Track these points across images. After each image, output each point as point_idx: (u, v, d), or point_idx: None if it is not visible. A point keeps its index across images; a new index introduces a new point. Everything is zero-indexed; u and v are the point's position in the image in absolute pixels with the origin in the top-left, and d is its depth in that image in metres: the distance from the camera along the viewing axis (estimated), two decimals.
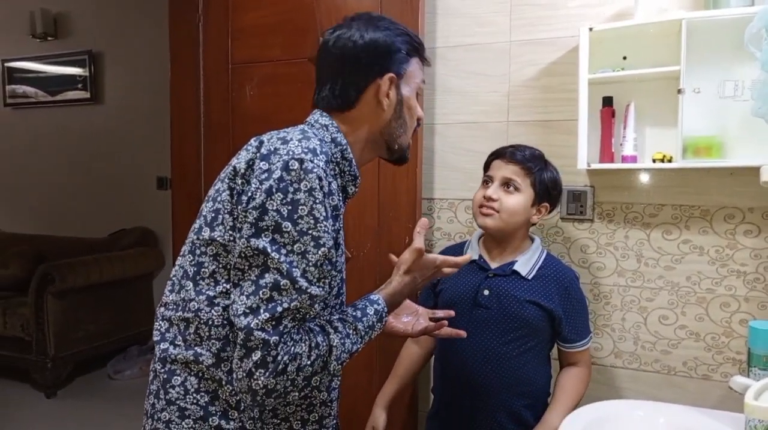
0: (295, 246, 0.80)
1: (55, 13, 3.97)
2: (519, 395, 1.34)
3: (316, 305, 0.83)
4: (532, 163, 1.36)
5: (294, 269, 0.79)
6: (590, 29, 1.49)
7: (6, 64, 4.19)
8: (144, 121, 3.70)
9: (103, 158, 3.92)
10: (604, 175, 1.63)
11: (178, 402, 0.90)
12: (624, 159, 1.53)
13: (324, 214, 0.82)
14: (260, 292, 0.79)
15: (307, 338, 0.82)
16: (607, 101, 1.57)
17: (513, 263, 1.37)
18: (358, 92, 0.96)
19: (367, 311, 0.93)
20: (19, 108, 4.22)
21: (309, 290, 0.80)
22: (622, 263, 1.63)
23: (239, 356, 0.79)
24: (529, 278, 1.36)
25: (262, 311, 0.78)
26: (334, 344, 0.85)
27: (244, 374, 0.79)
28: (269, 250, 0.79)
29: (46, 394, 3.09)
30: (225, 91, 2.00)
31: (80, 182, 4.03)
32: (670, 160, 1.48)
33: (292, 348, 0.79)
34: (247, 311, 0.79)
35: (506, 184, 1.36)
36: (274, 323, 0.78)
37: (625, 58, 1.56)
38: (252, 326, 0.77)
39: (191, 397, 0.89)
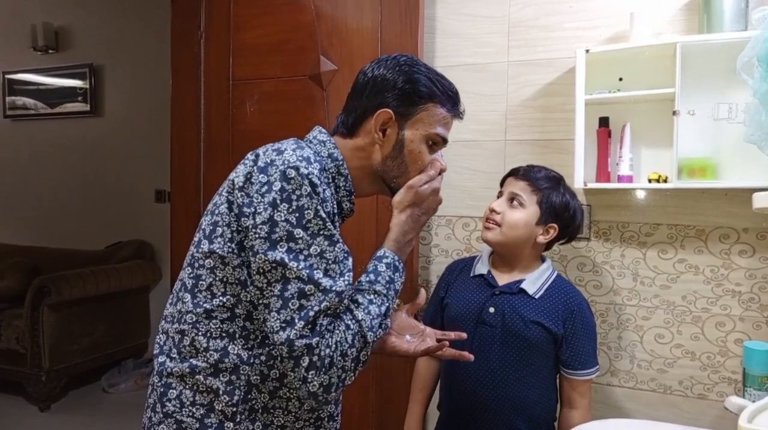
0: (312, 249, 0.82)
1: (57, 27, 4.00)
2: (522, 418, 1.33)
3: (345, 299, 0.85)
4: (542, 181, 1.34)
5: (315, 272, 0.82)
6: (587, 51, 1.52)
7: (6, 76, 4.20)
8: (143, 134, 3.71)
9: (102, 170, 3.93)
10: (600, 195, 1.64)
11: (174, 415, 0.91)
12: (620, 179, 1.55)
13: (323, 215, 0.84)
14: (289, 304, 0.81)
15: (338, 323, 0.84)
16: (604, 122, 1.60)
17: (521, 281, 1.36)
18: (356, 122, 0.98)
19: (379, 269, 0.93)
20: (18, 120, 4.23)
21: (334, 288, 0.83)
22: (618, 281, 1.64)
23: (290, 368, 0.82)
24: (536, 297, 1.33)
25: (296, 320, 0.80)
26: (360, 317, 0.86)
27: (300, 383, 0.82)
28: (286, 260, 0.81)
29: (39, 407, 3.06)
30: (225, 107, 2.02)
31: (78, 194, 4.03)
32: (665, 181, 1.50)
33: (331, 339, 0.82)
34: (284, 325, 0.81)
35: (512, 199, 1.35)
36: (310, 327, 0.80)
37: (621, 79, 1.59)
38: (291, 337, 0.80)
39: (187, 410, 0.90)
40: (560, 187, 1.37)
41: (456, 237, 1.81)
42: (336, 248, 0.84)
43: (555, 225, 1.35)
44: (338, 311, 0.85)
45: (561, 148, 1.67)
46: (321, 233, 0.83)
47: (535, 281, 1.36)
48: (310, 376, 0.81)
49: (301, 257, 0.82)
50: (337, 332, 0.83)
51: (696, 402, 1.57)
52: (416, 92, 0.95)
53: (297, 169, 0.84)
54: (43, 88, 4.09)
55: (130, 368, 3.42)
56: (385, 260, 0.94)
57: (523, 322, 1.32)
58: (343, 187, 0.97)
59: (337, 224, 0.94)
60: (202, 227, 0.94)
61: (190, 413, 0.90)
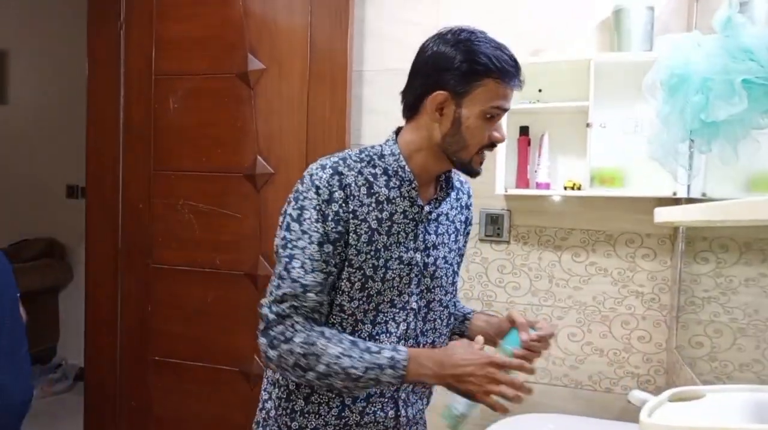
0: (299, 242, 0.95)
1: None
2: None
3: (310, 293, 0.95)
4: None
5: (294, 261, 0.95)
6: None
7: None
8: (54, 125, 3.49)
9: (6, 162, 3.65)
10: (519, 200, 1.72)
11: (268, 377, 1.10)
12: (538, 185, 1.62)
13: (315, 216, 0.95)
14: (274, 280, 0.97)
15: (306, 334, 0.94)
16: (524, 131, 1.67)
17: None
18: (416, 102, 0.99)
19: (383, 352, 0.94)
20: None
21: (300, 279, 0.95)
22: (535, 283, 1.72)
23: None
24: None
25: (273, 293, 0.96)
26: (330, 351, 0.93)
27: (256, 337, 0.98)
28: (279, 245, 0.97)
29: None
30: (147, 101, 1.94)
31: None
32: (579, 188, 1.60)
33: (288, 333, 0.94)
34: (266, 292, 0.98)
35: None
36: (277, 303, 0.95)
37: (540, 90, 1.67)
38: (263, 303, 0.97)
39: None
40: None
41: None
42: (312, 247, 0.95)
43: None
44: (305, 303, 0.94)
45: None
46: (308, 231, 0.95)
47: None
48: (261, 340, 0.96)
49: (290, 246, 0.96)
50: (300, 334, 0.94)
51: (603, 396, 1.68)
52: (473, 71, 0.94)
53: (311, 175, 0.97)
54: None
55: (37, 375, 3.21)
56: (394, 353, 0.94)
57: None
58: (404, 179, 1.01)
59: (363, 216, 0.98)
60: None
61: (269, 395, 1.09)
